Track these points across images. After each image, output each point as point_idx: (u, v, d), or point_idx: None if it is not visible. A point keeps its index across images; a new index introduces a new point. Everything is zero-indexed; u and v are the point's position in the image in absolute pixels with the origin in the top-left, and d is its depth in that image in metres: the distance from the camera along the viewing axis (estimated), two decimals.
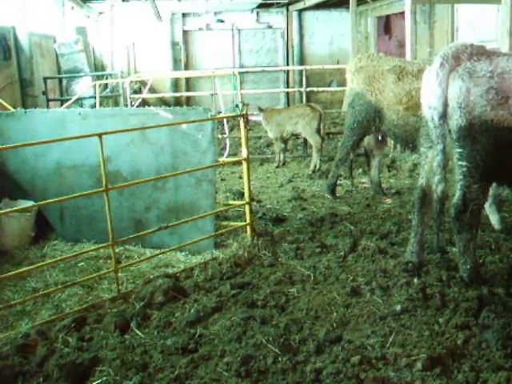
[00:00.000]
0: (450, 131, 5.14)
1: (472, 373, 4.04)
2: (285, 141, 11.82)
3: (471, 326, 4.64)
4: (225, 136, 12.78)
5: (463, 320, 4.70)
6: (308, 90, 13.35)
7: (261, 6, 20.17)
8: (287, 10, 20.78)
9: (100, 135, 5.43)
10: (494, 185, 6.52)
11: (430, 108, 5.17)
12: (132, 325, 4.95)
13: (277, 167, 11.65)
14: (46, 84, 14.63)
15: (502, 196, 7.83)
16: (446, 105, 5.08)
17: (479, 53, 5.15)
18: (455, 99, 5.02)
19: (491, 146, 5.00)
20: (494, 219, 6.92)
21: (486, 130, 4.95)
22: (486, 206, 6.84)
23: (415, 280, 5.47)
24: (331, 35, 21.39)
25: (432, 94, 5.13)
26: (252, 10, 20.81)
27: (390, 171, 10.64)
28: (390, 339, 4.50)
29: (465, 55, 5.12)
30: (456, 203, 5.25)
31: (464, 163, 5.15)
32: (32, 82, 14.41)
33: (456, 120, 5.04)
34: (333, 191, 9.01)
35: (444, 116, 5.09)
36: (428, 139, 5.40)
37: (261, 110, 11.93)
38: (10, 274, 5.47)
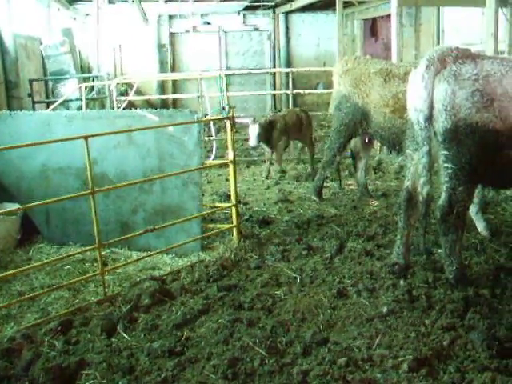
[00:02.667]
0: (435, 133, 5.17)
1: (458, 373, 4.06)
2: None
3: (457, 327, 4.66)
4: (211, 138, 12.78)
5: (449, 321, 4.72)
6: (294, 92, 13.38)
7: (247, 8, 20.22)
8: (274, 13, 20.85)
9: (86, 138, 5.42)
10: (479, 192, 6.59)
11: (415, 110, 5.20)
12: (118, 328, 4.94)
13: (266, 178, 10.84)
14: (31, 86, 14.54)
15: (486, 197, 7.90)
16: (431, 107, 5.11)
17: (464, 56, 5.19)
18: (441, 102, 5.05)
19: (476, 148, 5.03)
20: (480, 226, 6.94)
21: (471, 132, 4.99)
22: (473, 213, 6.88)
23: (401, 282, 5.50)
24: (318, 38, 21.48)
25: (418, 97, 5.16)
26: (239, 13, 20.86)
27: (376, 173, 10.68)
28: (377, 341, 4.51)
29: (450, 58, 5.16)
30: (442, 205, 5.29)
31: (449, 165, 5.18)
32: (17, 83, 14.32)
33: (441, 122, 5.08)
34: (319, 193, 9.02)
35: (429, 118, 5.12)
36: (414, 141, 5.42)
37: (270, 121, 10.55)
38: None
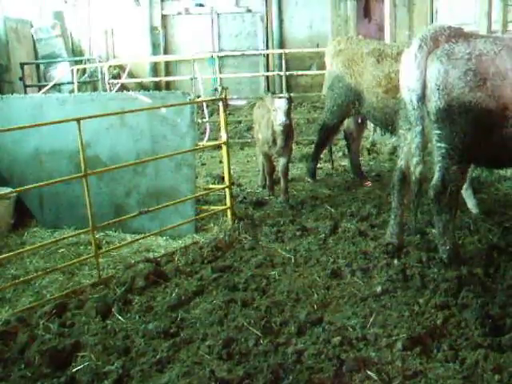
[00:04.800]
0: (428, 113, 5.17)
1: (451, 351, 4.09)
2: None
3: (450, 305, 4.69)
4: (204, 120, 12.72)
5: (443, 300, 4.75)
6: (288, 73, 13.32)
7: None
8: None
9: (78, 120, 5.39)
10: (470, 170, 6.59)
11: (408, 90, 5.19)
12: (113, 310, 4.94)
13: (264, 188, 8.77)
14: (23, 70, 14.47)
15: (480, 177, 7.92)
16: (424, 87, 5.10)
17: (457, 35, 5.18)
18: (434, 81, 5.04)
19: (469, 127, 5.03)
20: (470, 203, 6.96)
21: (464, 111, 4.99)
22: (463, 190, 6.89)
23: (395, 261, 5.52)
24: (311, 19, 21.29)
25: (410, 76, 5.15)
26: None
27: (369, 154, 10.66)
28: (371, 320, 4.53)
29: (443, 37, 5.14)
30: (435, 185, 5.29)
31: (443, 145, 5.18)
32: (8, 67, 14.26)
33: (434, 102, 5.07)
34: (313, 174, 9.01)
35: (422, 98, 5.12)
36: (407, 121, 5.42)
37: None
38: None
